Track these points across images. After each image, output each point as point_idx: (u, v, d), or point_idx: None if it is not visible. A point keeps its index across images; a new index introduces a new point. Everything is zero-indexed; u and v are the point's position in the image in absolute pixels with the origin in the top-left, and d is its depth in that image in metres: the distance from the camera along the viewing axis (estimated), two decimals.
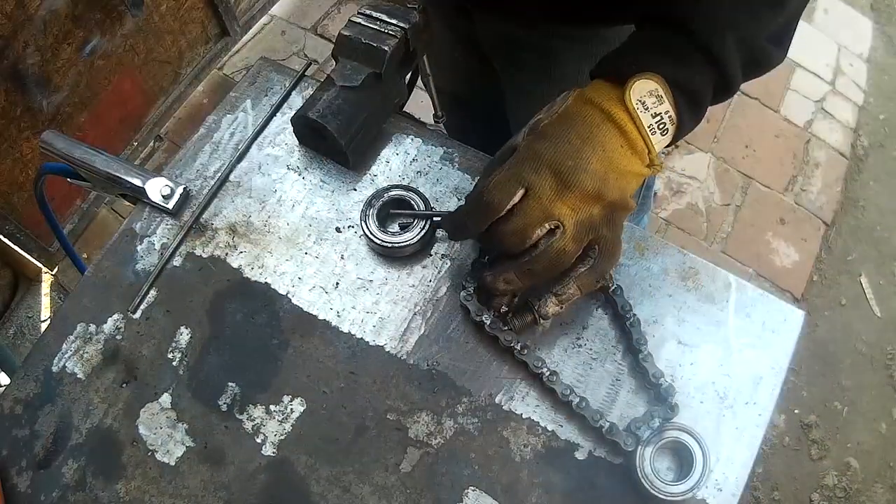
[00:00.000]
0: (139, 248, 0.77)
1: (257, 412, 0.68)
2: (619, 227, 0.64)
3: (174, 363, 0.71)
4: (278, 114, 0.83)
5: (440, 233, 0.74)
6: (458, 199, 0.76)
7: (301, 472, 0.66)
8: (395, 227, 0.73)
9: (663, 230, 2.03)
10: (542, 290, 0.65)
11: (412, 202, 0.73)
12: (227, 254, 0.76)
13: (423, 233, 0.71)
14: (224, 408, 0.69)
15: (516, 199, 0.60)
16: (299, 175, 0.79)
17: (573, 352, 0.68)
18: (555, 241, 0.61)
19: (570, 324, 0.70)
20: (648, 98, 0.61)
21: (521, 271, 0.63)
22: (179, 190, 0.77)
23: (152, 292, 0.74)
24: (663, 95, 0.61)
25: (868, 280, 1.96)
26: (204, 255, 0.76)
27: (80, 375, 0.71)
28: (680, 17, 0.62)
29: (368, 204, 0.73)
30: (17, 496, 0.67)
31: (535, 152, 0.61)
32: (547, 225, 0.61)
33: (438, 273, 0.73)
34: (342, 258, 0.74)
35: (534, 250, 0.61)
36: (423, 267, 0.73)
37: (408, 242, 0.71)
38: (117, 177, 0.76)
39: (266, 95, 0.85)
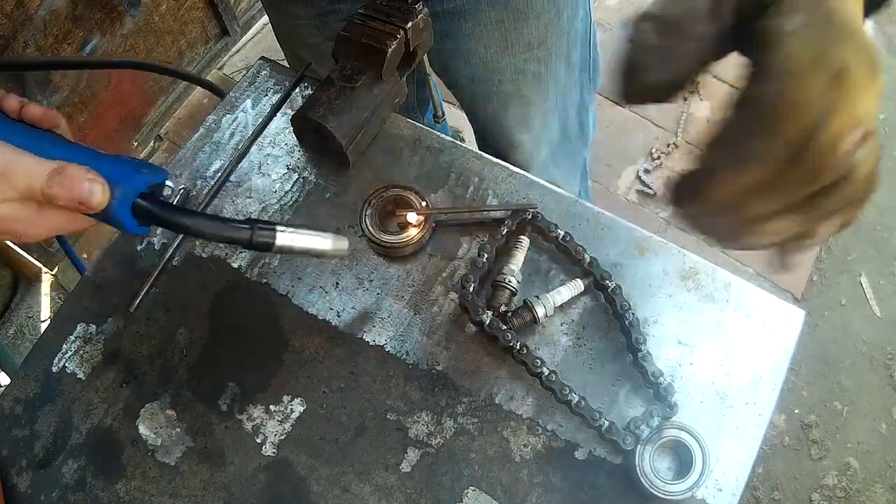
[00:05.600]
0: (139, 248, 0.77)
1: (257, 412, 0.68)
2: None
3: (174, 363, 0.71)
4: (278, 114, 0.83)
5: (441, 232, 0.74)
6: (457, 198, 0.76)
7: (301, 472, 0.66)
8: (394, 227, 0.73)
9: (663, 230, 2.02)
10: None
11: (411, 201, 0.73)
12: (227, 254, 0.76)
13: (423, 232, 0.71)
14: (224, 408, 0.69)
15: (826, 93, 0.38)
16: (299, 175, 0.79)
17: (572, 351, 0.68)
18: (866, 157, 0.39)
19: (569, 323, 0.70)
20: None
21: (807, 212, 0.41)
22: (179, 190, 0.77)
23: (152, 292, 0.74)
24: None
25: (868, 280, 1.96)
26: (204, 255, 0.76)
27: (80, 375, 0.71)
28: None
29: (367, 203, 0.73)
30: (17, 496, 0.67)
31: (827, 14, 0.38)
32: (860, 130, 0.38)
33: (438, 273, 0.73)
34: (342, 258, 0.74)
35: (833, 175, 0.39)
36: (423, 267, 0.73)
37: (407, 242, 0.71)
38: None
39: (266, 95, 0.85)
